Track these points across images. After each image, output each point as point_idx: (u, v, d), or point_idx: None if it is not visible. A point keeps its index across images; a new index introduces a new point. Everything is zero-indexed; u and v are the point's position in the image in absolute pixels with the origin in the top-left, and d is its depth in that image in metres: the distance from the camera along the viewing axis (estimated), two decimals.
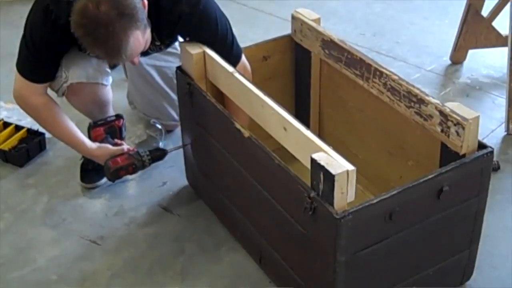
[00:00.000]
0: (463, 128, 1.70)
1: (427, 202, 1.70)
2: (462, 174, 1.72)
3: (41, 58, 2.06)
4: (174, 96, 2.45)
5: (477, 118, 1.71)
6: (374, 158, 2.17)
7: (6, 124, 2.62)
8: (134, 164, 2.18)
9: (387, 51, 3.19)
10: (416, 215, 1.70)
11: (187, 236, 2.17)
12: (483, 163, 1.75)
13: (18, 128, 2.61)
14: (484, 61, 3.06)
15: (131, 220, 2.25)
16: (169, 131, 2.60)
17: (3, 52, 3.12)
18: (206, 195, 2.28)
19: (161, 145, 2.49)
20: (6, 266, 2.08)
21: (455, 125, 1.72)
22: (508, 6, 2.65)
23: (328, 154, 1.60)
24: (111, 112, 2.39)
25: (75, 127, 2.23)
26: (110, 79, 2.29)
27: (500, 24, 2.86)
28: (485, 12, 2.89)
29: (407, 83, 1.87)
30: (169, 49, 2.33)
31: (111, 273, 2.05)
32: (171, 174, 2.43)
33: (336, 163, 1.56)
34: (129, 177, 2.39)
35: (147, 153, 2.20)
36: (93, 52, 1.92)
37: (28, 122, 2.65)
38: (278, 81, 2.36)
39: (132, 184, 2.40)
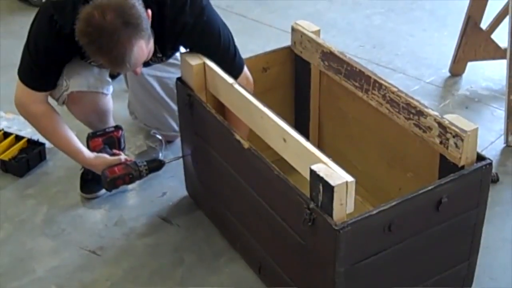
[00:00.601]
0: (462, 140, 1.71)
1: (426, 214, 1.70)
2: (461, 186, 1.73)
3: (43, 67, 2.08)
4: (174, 107, 2.46)
5: (476, 130, 1.72)
6: (373, 169, 2.17)
7: (6, 134, 2.62)
8: (131, 174, 2.19)
9: (386, 63, 3.20)
10: (415, 227, 1.70)
11: (186, 246, 2.17)
12: (482, 175, 1.76)
13: (18, 138, 2.61)
14: (483, 73, 3.07)
15: (131, 230, 2.25)
16: (169, 141, 2.61)
17: (3, 62, 3.13)
18: (206, 205, 2.28)
19: (160, 156, 2.49)
20: (5, 276, 2.08)
21: (454, 137, 1.73)
22: (507, 19, 2.67)
23: (328, 166, 1.60)
24: (111, 122, 2.39)
25: (74, 137, 2.23)
26: (111, 89, 2.30)
27: (499, 37, 2.87)
28: (484, 24, 2.90)
29: (406, 95, 1.88)
30: (171, 60, 2.34)
31: (110, 283, 2.05)
32: (171, 184, 2.43)
33: (335, 174, 1.57)
34: (129, 187, 2.39)
35: (144, 163, 2.22)
36: (97, 61, 1.93)
37: (28, 132, 2.66)
38: (278, 92, 2.37)
39: (132, 194, 2.41)
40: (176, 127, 2.53)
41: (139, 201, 2.38)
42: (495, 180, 2.38)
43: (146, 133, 2.68)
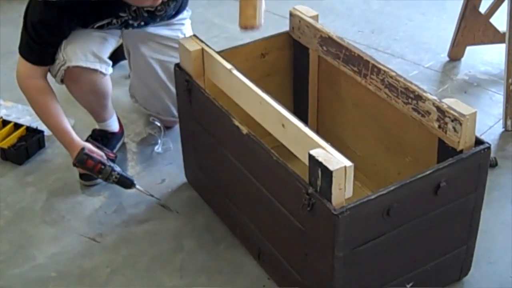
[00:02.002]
0: (460, 124, 1.71)
1: (424, 198, 1.70)
2: (459, 170, 1.73)
3: (40, 40, 2.11)
4: (175, 92, 2.47)
5: (474, 114, 1.72)
6: (372, 154, 2.18)
7: (5, 122, 2.62)
8: (104, 166, 2.20)
9: (385, 48, 3.19)
10: (413, 211, 1.71)
11: (186, 233, 2.18)
12: (480, 159, 1.76)
13: (17, 126, 2.61)
14: (482, 58, 3.07)
15: (130, 217, 2.25)
16: (168, 127, 2.61)
17: (2, 50, 3.12)
18: (205, 192, 2.28)
19: (159, 142, 2.51)
20: (6, 263, 2.09)
21: (452, 121, 1.73)
22: (505, 3, 2.66)
23: (326, 151, 1.60)
24: (111, 106, 2.40)
25: (65, 118, 2.25)
26: (110, 70, 2.30)
27: (498, 21, 2.86)
28: (483, 8, 2.89)
29: (405, 79, 1.87)
30: (173, 44, 2.34)
31: (110, 270, 2.06)
32: (170, 171, 2.43)
33: (334, 159, 1.57)
34: (128, 174, 2.40)
35: (118, 172, 2.23)
36: None
37: (27, 120, 2.66)
38: (277, 78, 2.36)
39: None
40: (176, 113, 2.53)
41: None
42: (494, 165, 2.38)
43: (145, 120, 2.68)
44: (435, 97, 1.78)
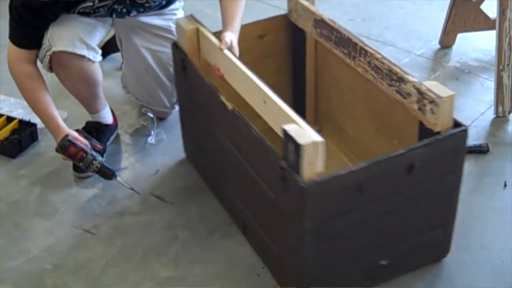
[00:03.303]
0: (437, 106, 1.73)
1: (398, 178, 1.73)
2: (435, 151, 1.75)
3: (24, 23, 2.12)
4: (167, 83, 2.47)
5: (452, 96, 1.74)
6: (364, 136, 2.20)
7: None
8: (86, 153, 2.19)
9: (376, 36, 3.20)
10: (386, 189, 1.74)
11: (180, 223, 2.18)
12: (457, 141, 1.78)
13: (9, 119, 2.61)
14: (473, 45, 3.08)
15: (124, 208, 2.26)
16: (161, 119, 2.61)
17: None
18: (202, 169, 2.32)
19: (152, 133, 2.51)
20: (0, 256, 2.09)
21: (430, 103, 1.76)
22: None
23: (300, 126, 1.64)
24: (102, 97, 2.40)
25: (53, 104, 2.25)
26: (99, 57, 2.28)
27: (488, 8, 2.87)
28: None
29: (389, 61, 1.90)
30: (165, 34, 2.34)
31: (105, 262, 2.06)
32: (164, 162, 2.44)
33: (305, 134, 1.61)
34: (121, 165, 2.41)
35: (99, 162, 2.22)
36: None
37: (19, 113, 2.66)
38: (275, 59, 2.40)
39: (124, 173, 2.41)
40: (167, 104, 2.53)
41: (132, 179, 2.38)
42: (485, 151, 2.40)
43: (138, 112, 2.68)
44: (416, 80, 1.81)
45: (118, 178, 2.25)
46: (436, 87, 1.76)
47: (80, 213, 2.25)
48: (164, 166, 2.42)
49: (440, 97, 1.72)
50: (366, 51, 1.95)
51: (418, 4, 3.49)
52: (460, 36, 3.04)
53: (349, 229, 1.74)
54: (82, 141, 2.24)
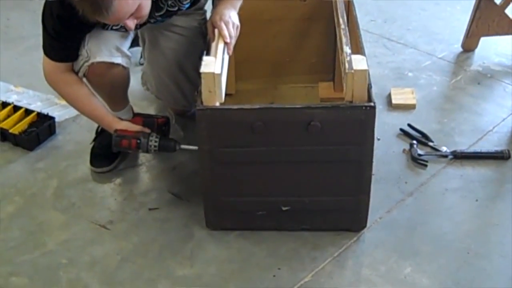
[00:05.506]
0: (347, 76, 1.81)
1: (296, 131, 1.88)
2: (335, 117, 1.86)
3: (60, 37, 2.09)
4: (188, 83, 2.45)
5: (365, 71, 1.79)
6: None
7: (16, 108, 2.62)
8: (139, 139, 2.17)
9: (397, 38, 3.17)
10: (284, 138, 1.91)
11: (196, 221, 2.17)
12: (362, 115, 1.84)
13: (28, 112, 2.61)
14: (496, 49, 3.04)
15: (141, 205, 2.25)
16: (179, 115, 2.60)
17: (13, 34, 3.10)
18: None
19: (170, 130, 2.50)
20: (16, 249, 2.09)
21: (345, 73, 1.82)
22: None
23: (215, 59, 1.85)
24: (128, 98, 2.38)
25: (98, 103, 2.26)
26: (130, 63, 2.28)
27: None
28: None
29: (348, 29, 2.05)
30: (188, 34, 2.34)
31: (120, 258, 2.06)
32: (181, 159, 2.43)
33: (211, 66, 1.81)
34: (138, 161, 2.40)
35: (156, 138, 2.19)
36: (81, 7, 1.89)
37: (38, 106, 2.66)
38: (318, 23, 2.55)
39: (141, 169, 2.41)
40: (187, 102, 2.52)
41: (149, 176, 2.38)
42: (507, 157, 2.37)
43: (156, 107, 2.67)
44: (349, 51, 1.89)
45: (181, 146, 2.22)
46: (358, 61, 1.81)
47: (96, 208, 2.24)
48: (181, 163, 2.41)
49: (351, 69, 1.79)
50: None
51: (440, 6, 3.46)
52: (482, 40, 3.01)
53: (247, 165, 1.96)
54: (132, 129, 2.21)
